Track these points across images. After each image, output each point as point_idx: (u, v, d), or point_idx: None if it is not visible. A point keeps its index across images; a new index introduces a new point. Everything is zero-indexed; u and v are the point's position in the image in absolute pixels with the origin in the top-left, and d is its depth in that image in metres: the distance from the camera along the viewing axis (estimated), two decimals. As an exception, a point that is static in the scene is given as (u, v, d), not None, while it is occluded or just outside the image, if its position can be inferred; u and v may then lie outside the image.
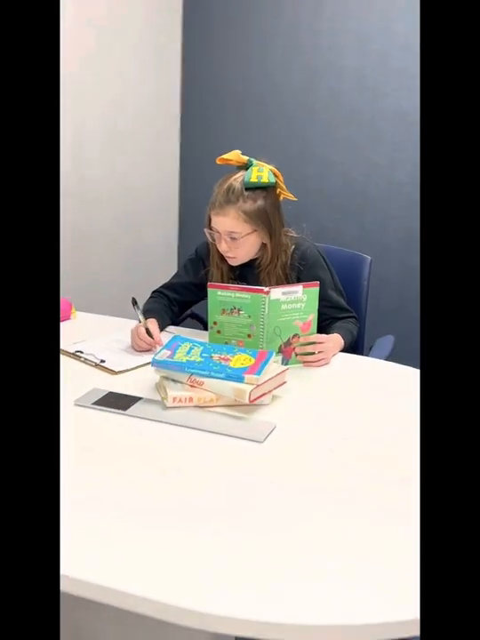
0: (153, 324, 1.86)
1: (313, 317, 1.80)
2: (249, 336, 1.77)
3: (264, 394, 1.52)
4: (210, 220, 1.91)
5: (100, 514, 1.12)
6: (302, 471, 1.29)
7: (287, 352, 1.78)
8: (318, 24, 3.05)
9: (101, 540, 1.05)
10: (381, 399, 1.63)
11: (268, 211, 1.87)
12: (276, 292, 1.74)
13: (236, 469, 1.29)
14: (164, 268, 3.50)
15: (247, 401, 1.47)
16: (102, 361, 1.72)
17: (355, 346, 2.07)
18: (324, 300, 1.93)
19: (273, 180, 1.86)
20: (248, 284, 1.96)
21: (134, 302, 1.91)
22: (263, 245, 1.93)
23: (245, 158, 1.88)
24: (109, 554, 1.02)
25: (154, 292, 2.14)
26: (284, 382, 1.60)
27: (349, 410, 1.56)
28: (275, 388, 1.56)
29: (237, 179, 1.86)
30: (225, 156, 1.90)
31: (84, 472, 1.24)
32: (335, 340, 1.87)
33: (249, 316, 1.76)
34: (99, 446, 1.35)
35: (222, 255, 1.95)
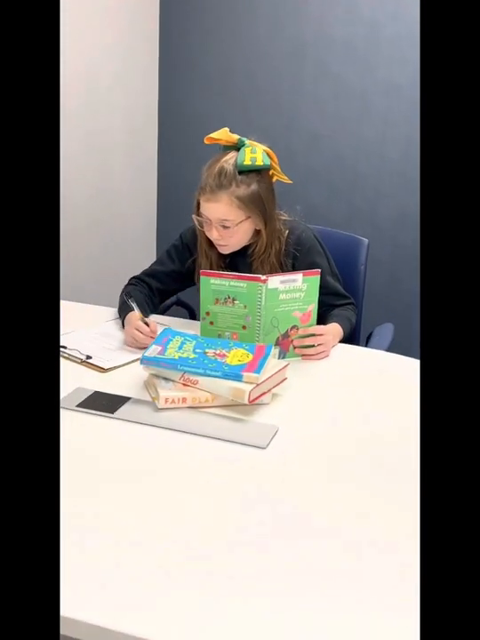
0: (143, 319, 1.72)
1: (313, 308, 1.68)
2: (244, 327, 1.65)
3: (264, 393, 1.41)
4: (198, 206, 1.76)
5: (85, 535, 1.01)
6: (309, 481, 1.18)
7: (285, 345, 1.66)
8: (305, -9, 2.90)
9: (89, 570, 0.94)
10: (386, 394, 1.53)
11: (262, 195, 1.73)
12: (274, 281, 1.61)
13: (238, 479, 1.18)
14: (143, 250, 3.36)
15: (247, 402, 1.35)
16: (89, 357, 1.59)
17: (352, 333, 1.96)
18: (321, 286, 1.81)
19: (268, 162, 1.72)
20: (239, 266, 1.84)
21: (129, 296, 1.77)
22: (256, 232, 1.79)
23: (236, 137, 1.73)
24: (97, 584, 0.91)
25: (133, 278, 1.98)
26: (285, 379, 1.48)
27: (354, 407, 1.46)
28: (275, 386, 1.45)
29: (229, 161, 1.71)
30: (213, 135, 1.75)
31: (68, 484, 1.11)
32: (334, 331, 1.76)
33: (244, 306, 1.64)
34: (83, 454, 1.23)
35: (211, 242, 1.81)
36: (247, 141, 1.72)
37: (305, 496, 1.14)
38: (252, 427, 1.34)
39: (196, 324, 1.89)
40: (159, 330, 1.65)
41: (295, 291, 1.63)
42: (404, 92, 2.85)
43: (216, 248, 1.82)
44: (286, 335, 1.66)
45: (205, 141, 1.76)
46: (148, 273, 1.96)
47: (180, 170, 3.29)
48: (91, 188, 2.82)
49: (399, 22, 2.78)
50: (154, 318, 1.88)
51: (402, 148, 2.91)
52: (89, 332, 1.75)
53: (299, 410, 1.44)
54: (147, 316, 1.77)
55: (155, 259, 3.40)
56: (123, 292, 1.91)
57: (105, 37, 2.77)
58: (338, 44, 2.89)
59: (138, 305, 1.75)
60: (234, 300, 1.65)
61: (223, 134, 1.74)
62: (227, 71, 3.11)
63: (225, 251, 1.80)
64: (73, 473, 1.15)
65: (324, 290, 1.85)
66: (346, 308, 1.90)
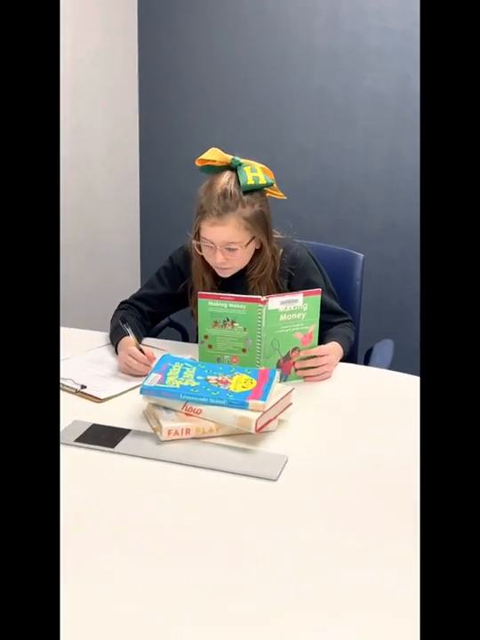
0: (138, 345, 1.65)
1: (314, 328, 1.62)
2: (244, 351, 1.59)
3: (270, 420, 1.35)
4: (197, 231, 1.70)
5: (88, 578, 0.95)
6: (323, 513, 1.13)
7: (286, 367, 1.61)
8: (285, 3, 2.86)
9: (90, 612, 0.87)
10: (392, 415, 1.48)
11: (265, 214, 1.69)
12: (274, 302, 1.56)
13: (249, 514, 1.12)
14: (128, 269, 3.29)
15: (253, 430, 1.30)
16: (83, 387, 1.52)
17: (350, 350, 1.91)
18: (320, 306, 1.77)
19: (270, 179, 1.68)
20: (234, 288, 1.77)
21: (123, 320, 1.70)
22: (255, 252, 1.75)
23: (229, 157, 1.69)
24: (100, 624, 0.86)
25: (123, 302, 1.91)
26: (291, 404, 1.43)
27: (362, 431, 1.41)
28: (281, 412, 1.39)
29: (229, 182, 1.66)
30: (205, 157, 1.70)
31: (69, 526, 1.04)
32: (335, 350, 1.70)
33: (244, 329, 1.58)
34: (85, 493, 1.16)
35: (208, 266, 1.76)
36: (242, 160, 1.67)
37: (319, 530, 1.08)
38: (261, 457, 1.28)
39: (191, 346, 1.84)
40: (155, 355, 1.59)
41: (296, 311, 1.58)
42: (387, 103, 2.82)
43: (212, 271, 1.77)
44: (288, 357, 1.60)
45: (197, 163, 1.70)
46: (139, 297, 1.90)
47: (163, 187, 3.24)
48: (72, 206, 2.75)
49: (382, 34, 2.75)
50: (147, 342, 1.82)
51: (386, 160, 2.88)
52: (80, 359, 1.68)
53: (306, 436, 1.38)
54: (140, 341, 1.71)
55: (139, 278, 3.39)
56: (114, 317, 1.84)
57: (83, 54, 2.71)
58: (320, 56, 2.86)
59: (132, 330, 1.69)
60: (233, 322, 1.59)
61: (216, 155, 1.69)
62: (208, 86, 3.06)
63: (226, 274, 1.75)
64: (72, 513, 1.08)
65: (322, 308, 1.80)
66: (344, 325, 1.85)
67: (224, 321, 1.59)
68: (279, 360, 1.59)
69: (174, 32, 3.04)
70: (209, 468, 1.23)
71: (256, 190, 1.67)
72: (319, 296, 1.60)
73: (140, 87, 3.16)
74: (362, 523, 1.10)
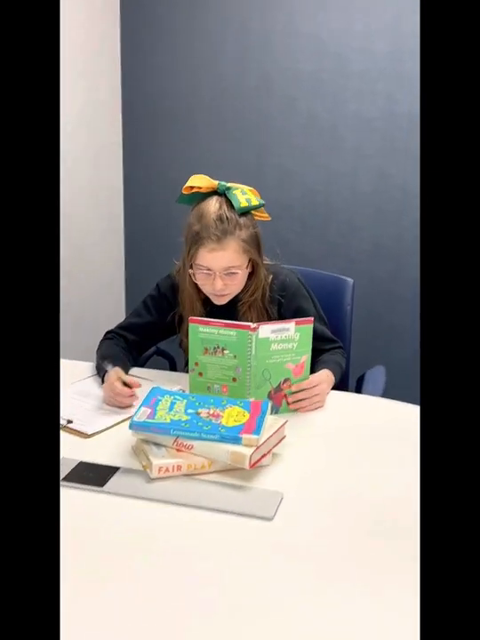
0: (124, 375, 1.61)
1: (306, 359, 1.58)
2: (234, 380, 1.55)
3: (264, 455, 1.31)
4: (190, 259, 1.65)
5: (78, 623, 0.90)
6: (321, 554, 1.08)
7: (277, 399, 1.56)
8: (270, 26, 2.85)
9: None
10: (387, 446, 1.44)
11: (258, 235, 1.68)
12: (265, 330, 1.52)
13: (244, 556, 1.08)
14: (112, 296, 3.24)
15: (247, 466, 1.25)
16: (69, 422, 1.47)
17: (342, 377, 1.87)
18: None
19: (261, 201, 1.67)
20: (223, 316, 1.73)
21: (103, 358, 1.66)
22: (248, 275, 1.72)
23: (216, 182, 1.66)
24: None
25: (108, 332, 1.86)
26: (284, 437, 1.39)
27: (358, 463, 1.37)
28: (275, 446, 1.35)
29: (221, 206, 1.63)
30: (192, 184, 1.67)
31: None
32: (327, 378, 1.67)
33: (234, 357, 1.54)
34: (74, 535, 1.10)
35: (197, 293, 1.72)
36: (228, 184, 1.64)
37: (316, 572, 1.03)
38: (255, 494, 1.23)
39: (180, 375, 1.80)
40: (143, 385, 1.55)
41: (287, 340, 1.54)
42: (374, 125, 2.81)
43: (202, 299, 1.73)
44: (279, 389, 1.56)
45: (183, 191, 1.67)
46: (125, 326, 1.85)
47: (147, 213, 3.20)
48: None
49: (366, 56, 2.74)
50: (134, 372, 1.77)
51: (374, 181, 2.87)
52: (65, 392, 1.62)
53: (301, 470, 1.34)
54: (127, 372, 1.67)
55: (124, 306, 3.34)
56: (99, 347, 1.80)
57: (65, 72, 2.68)
58: (305, 78, 2.85)
59: (116, 360, 1.65)
60: (223, 349, 1.54)
61: (202, 181, 1.66)
62: (193, 109, 3.04)
63: (222, 301, 1.71)
64: (62, 558, 1.02)
65: (312, 334, 1.77)
66: (335, 352, 1.82)
67: (214, 348, 1.55)
68: (270, 391, 1.55)
69: (158, 54, 3.02)
70: (201, 508, 1.18)
71: (249, 212, 1.66)
72: (311, 325, 1.56)
73: (124, 110, 3.13)
74: (361, 563, 1.06)
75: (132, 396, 1.55)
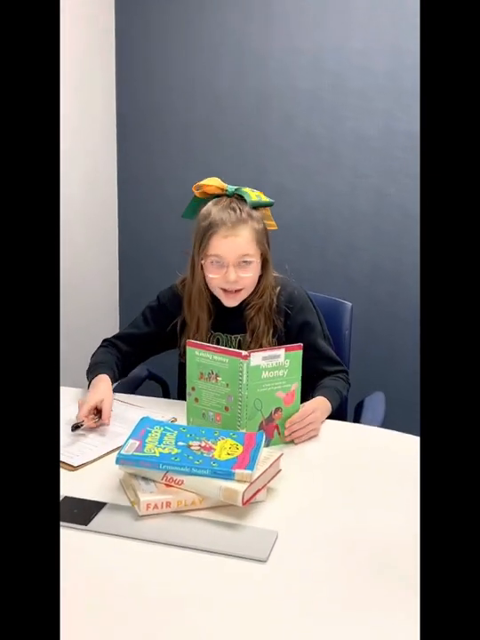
0: (107, 401, 1.56)
1: (296, 387, 1.52)
2: (226, 409, 1.49)
3: (259, 490, 1.24)
4: (202, 252, 1.65)
5: None
6: (317, 599, 1.02)
7: (269, 430, 1.50)
8: (268, 43, 2.81)
9: None
10: (387, 479, 1.38)
11: (268, 234, 1.70)
12: (257, 358, 1.46)
13: (236, 600, 1.01)
14: (105, 308, 3.18)
15: (240, 504, 1.18)
16: (54, 454, 1.40)
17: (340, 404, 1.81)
18: (312, 349, 1.69)
19: (272, 200, 1.71)
20: (230, 328, 1.74)
21: (94, 364, 1.71)
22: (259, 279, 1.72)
23: (225, 185, 1.69)
24: None
25: (105, 340, 1.86)
26: (280, 471, 1.32)
27: (357, 498, 1.31)
28: (270, 481, 1.28)
29: (233, 200, 1.66)
30: (203, 183, 1.70)
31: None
32: (322, 406, 1.60)
33: (227, 385, 1.48)
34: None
35: (206, 296, 1.71)
36: (240, 187, 1.70)
37: (313, 618, 0.97)
38: (249, 534, 1.17)
39: (173, 403, 1.74)
40: (132, 412, 1.50)
41: (278, 368, 1.48)
42: (372, 144, 2.76)
43: (207, 305, 1.72)
44: (270, 419, 1.50)
45: (194, 189, 1.72)
46: (120, 336, 1.85)
47: (141, 230, 3.14)
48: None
49: (366, 73, 2.70)
50: (127, 399, 1.72)
51: (373, 200, 2.82)
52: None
53: (297, 507, 1.27)
54: (113, 382, 1.69)
55: (118, 325, 3.27)
56: (94, 354, 1.82)
57: (61, 96, 2.63)
58: (303, 96, 2.80)
59: (105, 368, 1.69)
60: (217, 376, 1.49)
61: (214, 181, 1.70)
62: (189, 126, 2.99)
63: (234, 300, 1.69)
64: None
65: (316, 354, 1.73)
66: (337, 377, 1.76)
67: (209, 373, 1.50)
68: (261, 422, 1.49)
69: (154, 71, 2.98)
70: (191, 548, 1.12)
71: (260, 208, 1.69)
72: (300, 352, 1.50)
73: (119, 126, 3.08)
74: (360, 607, 1.00)
75: (93, 425, 1.53)
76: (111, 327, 3.21)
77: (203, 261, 1.66)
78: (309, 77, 2.78)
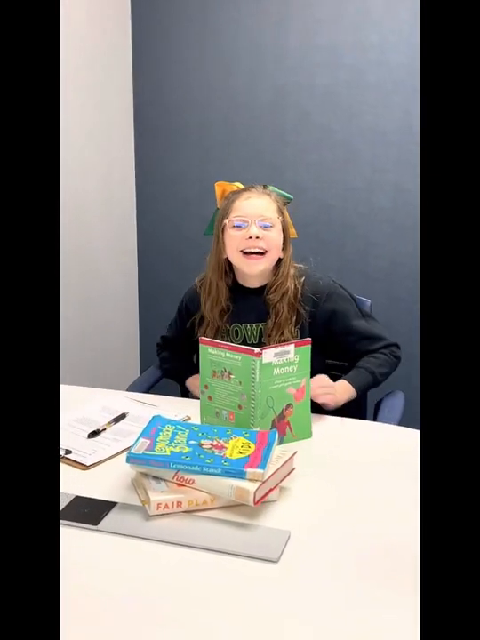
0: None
1: (306, 381, 1.50)
2: (240, 407, 1.47)
3: (271, 489, 1.22)
4: (224, 218, 1.70)
5: None
6: (330, 600, 0.99)
7: (281, 427, 1.48)
8: (283, 39, 2.79)
9: None
10: (404, 478, 1.34)
11: (286, 222, 1.73)
12: (268, 354, 1.44)
13: (247, 600, 0.99)
14: (124, 312, 3.18)
15: (252, 503, 1.16)
16: (68, 452, 1.39)
17: (359, 401, 1.79)
18: (349, 334, 1.72)
19: (291, 196, 1.80)
20: (250, 317, 1.74)
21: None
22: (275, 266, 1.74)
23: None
24: None
25: (162, 349, 1.99)
26: (293, 470, 1.30)
27: (373, 497, 1.28)
28: (283, 480, 1.26)
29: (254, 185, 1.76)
30: (225, 183, 1.80)
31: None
32: (342, 389, 1.65)
33: (240, 383, 1.46)
34: (63, 577, 1.02)
35: (225, 276, 1.76)
36: None
37: (325, 620, 0.94)
38: (261, 534, 1.15)
39: (188, 402, 1.73)
40: (144, 411, 1.48)
41: (288, 364, 1.46)
42: (389, 138, 2.73)
43: (227, 294, 1.76)
44: (282, 416, 1.48)
45: (216, 186, 1.79)
46: (167, 343, 1.99)
47: (160, 230, 3.14)
48: (67, 252, 2.65)
49: (382, 68, 2.67)
50: (140, 397, 1.71)
51: (391, 196, 2.79)
52: (63, 420, 1.55)
53: (311, 506, 1.25)
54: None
55: (137, 323, 3.28)
56: (166, 361, 1.96)
57: (77, 93, 2.63)
58: (320, 91, 2.78)
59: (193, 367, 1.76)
60: (230, 374, 1.47)
61: (236, 184, 1.78)
62: (205, 123, 2.98)
63: (254, 266, 1.69)
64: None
65: (354, 336, 1.74)
66: (379, 353, 1.74)
67: (222, 371, 1.48)
68: (274, 420, 1.47)
69: (170, 69, 2.98)
70: (202, 548, 1.10)
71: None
72: (309, 346, 1.49)
73: (136, 125, 3.08)
74: (375, 610, 0.97)
75: None
76: (131, 325, 3.22)
77: (225, 226, 1.69)
78: (326, 73, 2.76)
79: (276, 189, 1.75)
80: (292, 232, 1.76)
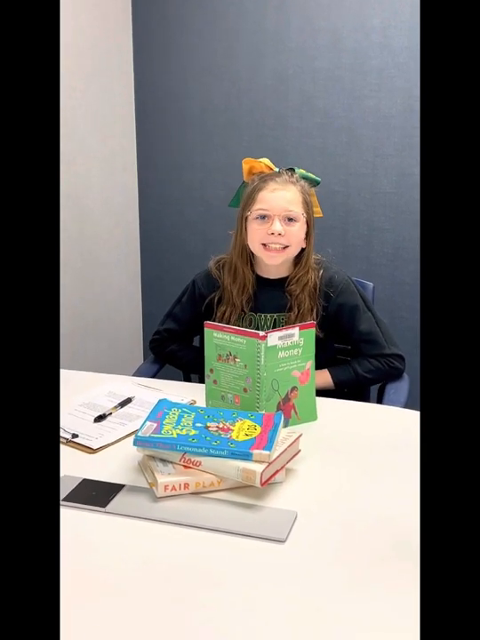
0: None
1: (310, 365, 1.51)
2: (245, 390, 1.47)
3: (277, 471, 1.23)
4: (248, 207, 1.67)
5: None
6: (337, 579, 1.00)
7: (286, 410, 1.49)
8: (285, 22, 2.77)
9: None
10: (409, 459, 1.34)
11: (311, 208, 1.70)
12: (273, 338, 1.44)
13: (255, 580, 1.00)
14: (128, 298, 3.18)
15: (258, 484, 1.17)
16: (75, 436, 1.40)
17: (360, 387, 1.80)
18: (352, 332, 1.72)
19: (319, 179, 1.76)
20: (268, 307, 1.73)
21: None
22: (297, 256, 1.73)
23: (274, 167, 1.73)
24: None
25: (161, 340, 1.92)
26: (299, 451, 1.31)
27: (378, 478, 1.29)
28: (289, 461, 1.27)
29: (282, 170, 1.71)
30: (253, 160, 1.73)
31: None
32: (318, 378, 1.63)
33: (245, 366, 1.47)
34: (71, 559, 1.03)
35: (249, 265, 1.73)
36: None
37: (332, 599, 0.95)
38: (268, 514, 1.16)
39: (193, 386, 1.74)
40: (151, 396, 1.49)
41: (293, 347, 1.47)
42: (393, 123, 2.72)
43: (248, 276, 1.73)
44: (287, 399, 1.48)
45: (244, 163, 1.74)
46: (170, 335, 1.91)
47: (162, 217, 3.14)
48: (69, 237, 2.65)
49: (385, 51, 2.66)
50: (144, 381, 1.71)
51: (394, 180, 2.78)
52: (69, 404, 1.56)
53: (317, 487, 1.26)
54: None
55: (140, 309, 3.28)
56: (174, 355, 1.91)
57: (78, 79, 2.63)
58: (322, 75, 2.77)
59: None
60: (235, 357, 1.48)
61: (264, 160, 1.73)
62: (206, 109, 2.97)
63: (275, 259, 1.67)
64: (64, 583, 0.96)
65: (355, 335, 1.73)
66: (373, 359, 1.73)
67: (227, 355, 1.49)
68: (279, 402, 1.47)
69: (171, 55, 2.96)
70: (209, 529, 1.11)
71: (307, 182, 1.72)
72: (313, 329, 1.49)
73: (137, 111, 3.07)
74: (382, 589, 0.98)
75: None
76: (135, 311, 3.22)
77: (248, 216, 1.67)
78: (327, 57, 2.75)
79: (304, 172, 1.72)
80: (317, 211, 1.74)
